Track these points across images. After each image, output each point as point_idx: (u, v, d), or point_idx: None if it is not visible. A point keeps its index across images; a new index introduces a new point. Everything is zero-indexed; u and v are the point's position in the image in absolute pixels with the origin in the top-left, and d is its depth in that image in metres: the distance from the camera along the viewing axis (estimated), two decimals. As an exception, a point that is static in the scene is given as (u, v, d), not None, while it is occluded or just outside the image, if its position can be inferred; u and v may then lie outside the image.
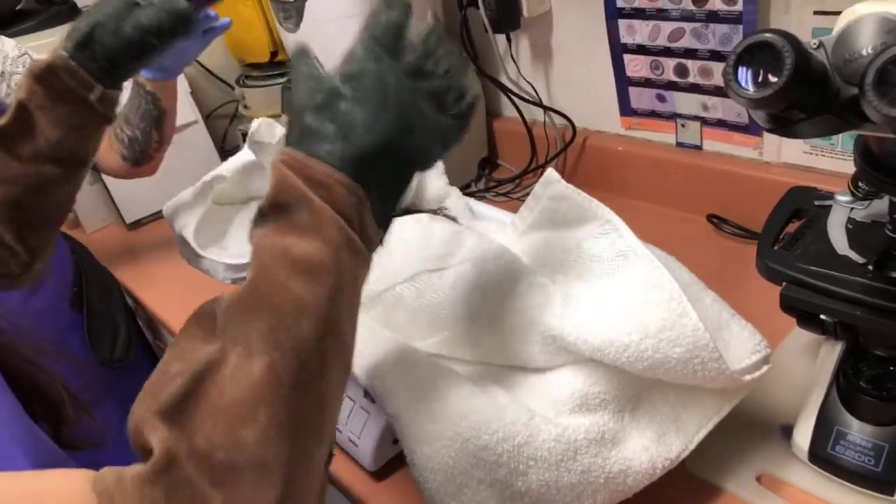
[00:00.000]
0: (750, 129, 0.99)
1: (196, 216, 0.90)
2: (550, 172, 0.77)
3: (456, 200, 0.96)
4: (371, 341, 0.68)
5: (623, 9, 1.02)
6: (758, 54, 0.41)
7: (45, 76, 0.62)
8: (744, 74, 0.41)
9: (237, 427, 0.38)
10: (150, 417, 0.38)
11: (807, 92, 0.41)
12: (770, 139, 0.98)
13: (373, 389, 0.62)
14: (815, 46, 0.43)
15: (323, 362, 0.42)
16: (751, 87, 0.41)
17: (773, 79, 0.40)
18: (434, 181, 0.96)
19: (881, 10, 0.43)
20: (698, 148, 1.06)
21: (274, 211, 0.44)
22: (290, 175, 0.44)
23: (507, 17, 1.11)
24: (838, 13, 0.87)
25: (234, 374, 0.39)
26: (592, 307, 0.64)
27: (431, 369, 0.64)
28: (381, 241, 0.50)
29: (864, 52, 0.42)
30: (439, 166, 0.98)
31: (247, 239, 0.46)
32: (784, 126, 0.45)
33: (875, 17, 0.42)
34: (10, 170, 0.63)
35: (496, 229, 0.89)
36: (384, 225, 0.49)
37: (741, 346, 0.63)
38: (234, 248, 0.90)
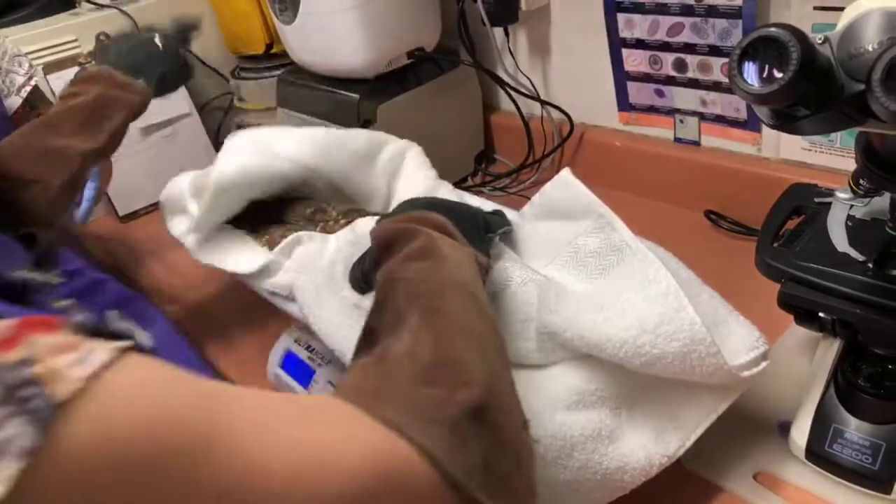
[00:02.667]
0: (748, 124, 0.98)
1: (190, 219, 0.89)
2: (566, 173, 0.76)
3: (448, 195, 0.95)
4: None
5: (622, 3, 1.01)
6: (763, 49, 0.41)
7: None
8: (749, 69, 0.41)
9: None
10: None
11: (812, 87, 0.41)
12: (769, 135, 0.97)
13: None
14: (820, 41, 0.42)
15: None
16: (756, 82, 0.41)
17: (778, 74, 0.40)
18: (419, 174, 0.94)
19: (886, 4, 0.42)
20: (696, 143, 1.06)
21: None
22: None
23: (505, 11, 1.10)
24: (839, 8, 0.86)
25: None
26: (588, 303, 0.63)
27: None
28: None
29: (869, 48, 0.41)
30: (423, 160, 0.95)
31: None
32: (787, 122, 0.45)
33: (881, 13, 0.41)
34: None
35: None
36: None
37: (739, 342, 0.62)
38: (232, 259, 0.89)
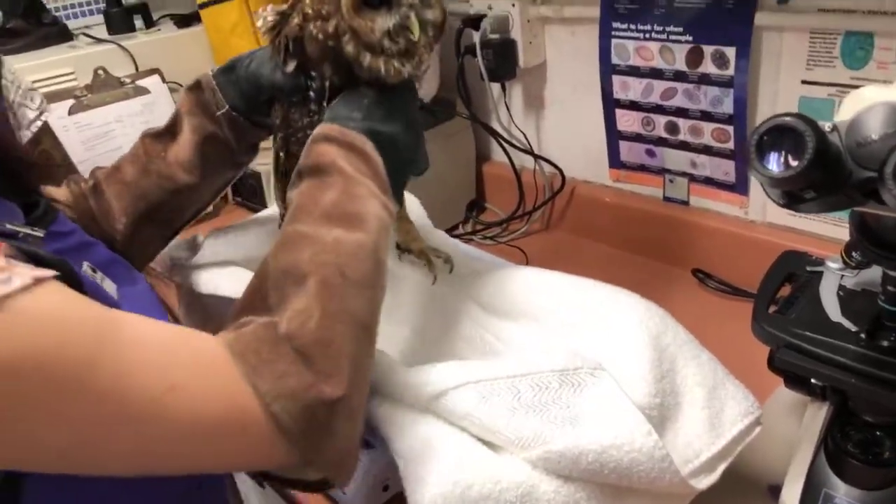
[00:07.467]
0: (736, 187, 1.02)
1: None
2: None
3: (443, 244, 0.95)
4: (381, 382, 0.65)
5: (618, 65, 1.05)
6: (778, 136, 0.43)
7: (193, 87, 0.74)
8: (770, 156, 0.43)
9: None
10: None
11: (824, 173, 0.43)
12: (756, 199, 1.01)
13: (377, 421, 0.61)
14: (829, 130, 0.45)
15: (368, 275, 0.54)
16: (775, 168, 0.43)
17: (793, 161, 0.42)
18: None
19: (889, 98, 0.45)
20: (685, 203, 1.09)
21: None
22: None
23: (504, 67, 1.14)
24: (826, 84, 0.90)
25: None
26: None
27: (437, 416, 0.64)
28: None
29: (874, 136, 0.44)
30: (418, 210, 0.95)
31: None
32: (796, 203, 0.47)
33: (886, 106, 0.44)
34: (158, 168, 0.74)
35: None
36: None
37: (735, 407, 0.64)
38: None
